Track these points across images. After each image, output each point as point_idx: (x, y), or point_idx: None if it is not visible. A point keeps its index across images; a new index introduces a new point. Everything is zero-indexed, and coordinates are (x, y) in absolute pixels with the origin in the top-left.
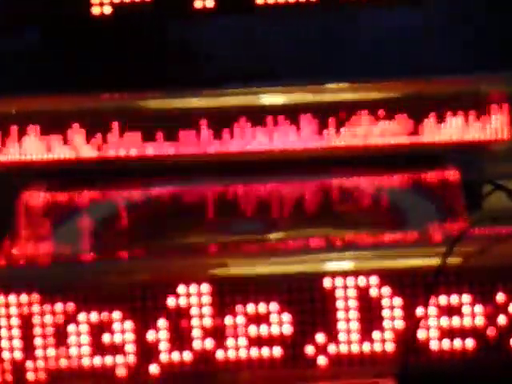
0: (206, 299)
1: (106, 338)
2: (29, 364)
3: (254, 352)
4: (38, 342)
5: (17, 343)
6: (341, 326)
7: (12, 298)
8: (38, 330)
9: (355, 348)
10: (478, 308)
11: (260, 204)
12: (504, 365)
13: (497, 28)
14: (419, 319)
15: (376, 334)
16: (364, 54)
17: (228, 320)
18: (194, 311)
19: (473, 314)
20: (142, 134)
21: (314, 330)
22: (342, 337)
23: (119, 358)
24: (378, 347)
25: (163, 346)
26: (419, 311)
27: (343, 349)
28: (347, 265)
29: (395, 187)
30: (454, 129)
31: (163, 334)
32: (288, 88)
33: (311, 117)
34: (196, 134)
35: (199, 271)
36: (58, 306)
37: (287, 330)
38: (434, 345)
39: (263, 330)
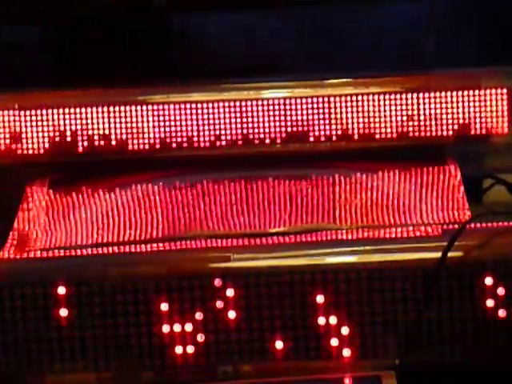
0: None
1: None
2: None
3: (256, 344)
4: None
5: None
6: (342, 318)
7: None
8: None
9: (356, 341)
10: (478, 301)
11: (262, 198)
12: (503, 358)
13: (497, 22)
14: (420, 312)
15: (378, 328)
16: (364, 48)
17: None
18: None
19: (473, 307)
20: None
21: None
22: (343, 330)
23: None
24: (379, 340)
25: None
26: (420, 305)
27: (345, 342)
28: (348, 259)
29: (395, 181)
30: (453, 123)
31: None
32: (289, 83)
33: (312, 112)
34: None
35: (201, 265)
36: None
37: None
38: (434, 337)
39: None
